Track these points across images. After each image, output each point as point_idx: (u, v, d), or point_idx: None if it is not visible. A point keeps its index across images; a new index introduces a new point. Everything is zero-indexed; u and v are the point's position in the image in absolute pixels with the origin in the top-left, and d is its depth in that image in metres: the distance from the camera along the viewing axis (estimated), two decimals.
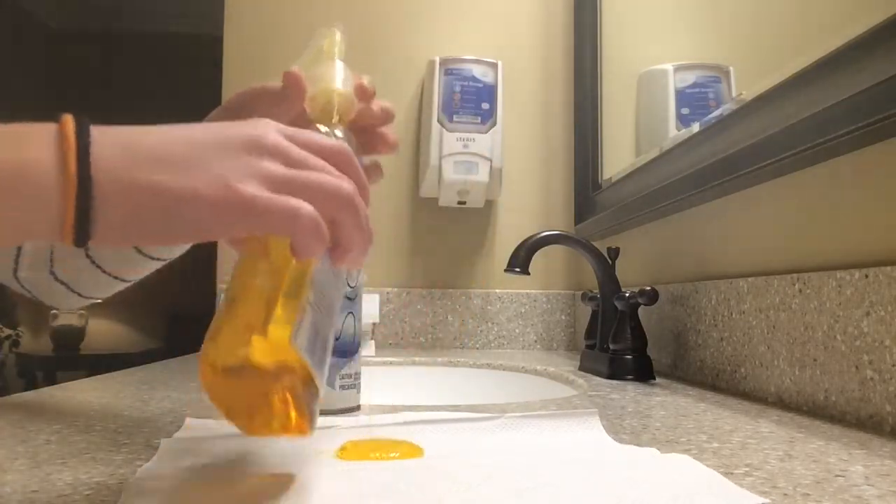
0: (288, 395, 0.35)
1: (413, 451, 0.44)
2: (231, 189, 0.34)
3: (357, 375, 0.62)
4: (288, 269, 0.36)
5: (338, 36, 0.49)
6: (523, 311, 1.49)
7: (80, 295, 0.66)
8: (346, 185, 0.37)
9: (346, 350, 0.60)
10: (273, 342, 0.33)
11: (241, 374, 0.34)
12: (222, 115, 0.58)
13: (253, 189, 0.34)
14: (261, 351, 0.33)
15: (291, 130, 0.39)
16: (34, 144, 0.33)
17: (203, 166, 0.35)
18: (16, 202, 0.33)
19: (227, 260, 1.46)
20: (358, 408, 0.62)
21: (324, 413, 0.58)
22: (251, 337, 0.33)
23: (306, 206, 0.35)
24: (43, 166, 0.33)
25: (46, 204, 0.33)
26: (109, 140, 0.34)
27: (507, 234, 1.51)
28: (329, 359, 0.39)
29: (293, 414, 0.36)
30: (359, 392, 0.62)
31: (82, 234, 0.33)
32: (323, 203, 0.36)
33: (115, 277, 0.65)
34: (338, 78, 0.48)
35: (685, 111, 1.00)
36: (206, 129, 0.37)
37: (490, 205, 1.52)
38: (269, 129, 0.38)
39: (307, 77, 0.49)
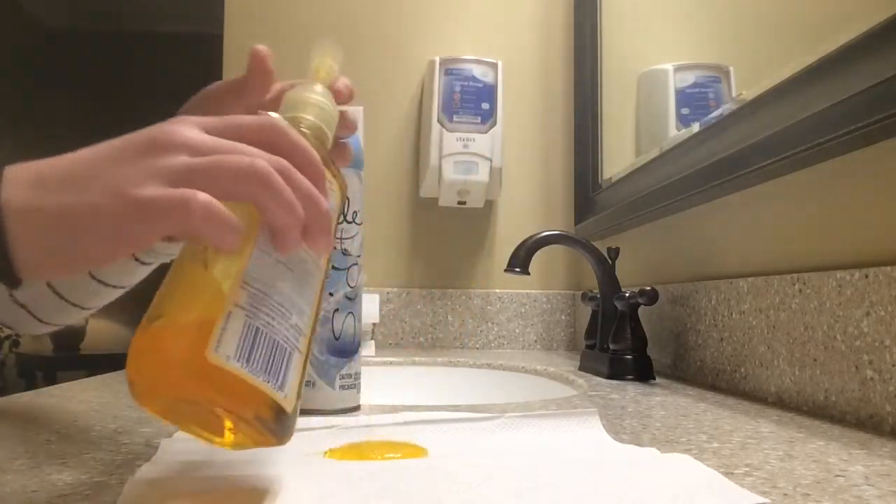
0: (227, 419, 0.32)
1: (416, 451, 0.44)
2: (122, 194, 0.32)
3: (357, 375, 0.62)
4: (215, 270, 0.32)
5: (329, 60, 0.44)
6: (523, 311, 1.49)
7: (41, 321, 0.62)
8: (258, 162, 0.33)
9: (346, 350, 0.60)
10: (192, 357, 0.30)
11: (166, 404, 0.33)
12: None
13: (146, 190, 0.32)
14: (183, 376, 0.30)
15: (213, 120, 0.36)
16: None
17: (101, 177, 0.33)
18: None
19: None
20: (358, 408, 0.62)
21: (324, 413, 0.58)
22: (171, 358, 0.30)
23: (198, 195, 0.31)
24: None
25: None
26: (23, 175, 0.35)
27: (507, 234, 1.51)
28: (294, 360, 0.34)
29: (244, 429, 0.32)
30: (359, 392, 0.62)
31: (8, 274, 0.34)
32: (232, 186, 0.32)
33: (76, 305, 0.61)
34: (315, 95, 0.42)
35: (685, 111, 1.00)
36: (112, 141, 0.35)
37: (490, 205, 1.52)
38: (180, 125, 0.35)
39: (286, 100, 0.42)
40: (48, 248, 0.34)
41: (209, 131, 0.35)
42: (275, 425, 0.32)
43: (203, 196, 0.31)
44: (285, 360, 0.33)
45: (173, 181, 0.32)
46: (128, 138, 0.35)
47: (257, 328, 0.32)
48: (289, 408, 0.33)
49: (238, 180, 0.32)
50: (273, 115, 0.38)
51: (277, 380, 0.32)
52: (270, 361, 0.32)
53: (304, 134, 0.38)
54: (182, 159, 0.33)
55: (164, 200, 0.32)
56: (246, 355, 0.31)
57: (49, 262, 0.35)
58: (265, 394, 0.31)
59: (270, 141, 0.35)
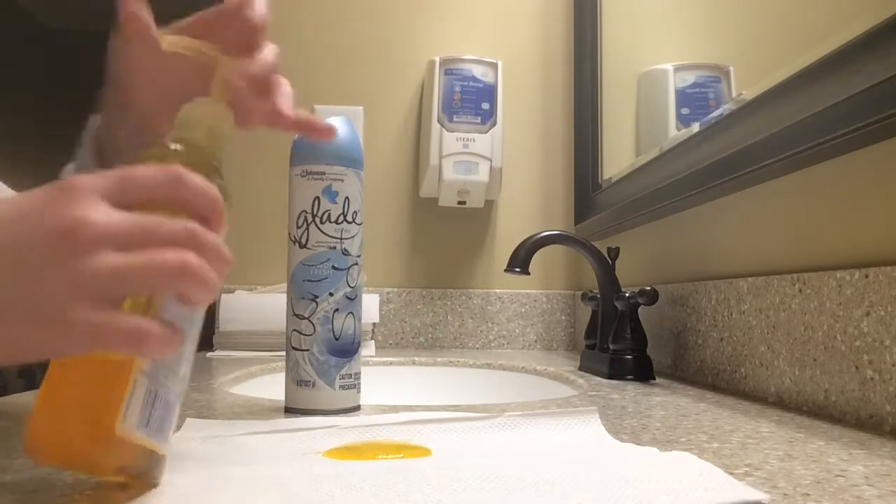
0: (118, 473, 0.34)
1: (419, 451, 0.44)
2: (65, 322, 0.30)
3: (357, 375, 0.62)
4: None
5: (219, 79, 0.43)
6: (523, 311, 1.49)
7: None
8: (187, 259, 0.31)
9: (347, 350, 0.60)
10: (99, 432, 0.32)
11: (68, 466, 0.35)
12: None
13: (91, 314, 0.30)
14: (83, 445, 0.32)
15: (110, 184, 0.32)
16: None
17: (19, 299, 0.30)
18: None
19: None
20: (358, 408, 0.62)
21: (324, 413, 0.58)
22: (79, 435, 0.32)
23: (153, 330, 0.31)
24: None
25: None
26: None
27: (507, 234, 1.51)
28: (176, 411, 0.36)
29: (131, 479, 0.35)
30: (359, 392, 0.62)
31: None
32: (163, 288, 0.32)
33: None
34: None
35: (685, 111, 1.00)
36: (14, 240, 0.30)
37: (490, 205, 1.52)
38: (82, 206, 0.31)
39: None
40: None
41: (112, 200, 0.32)
42: (156, 471, 0.35)
43: (157, 331, 0.31)
44: (172, 415, 0.36)
45: (103, 292, 0.30)
46: (17, 232, 0.30)
47: (156, 392, 0.34)
48: (166, 453, 0.36)
49: (170, 283, 0.32)
50: (168, 150, 0.38)
51: (165, 437, 0.35)
52: (163, 421, 0.35)
53: (189, 152, 0.38)
54: (106, 263, 0.30)
55: (121, 333, 0.30)
56: (146, 421, 0.33)
57: None
58: (156, 451, 0.35)
59: (171, 194, 0.34)
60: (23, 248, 0.30)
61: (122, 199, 0.32)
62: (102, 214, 0.31)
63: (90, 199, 0.31)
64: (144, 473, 0.35)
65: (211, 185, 0.35)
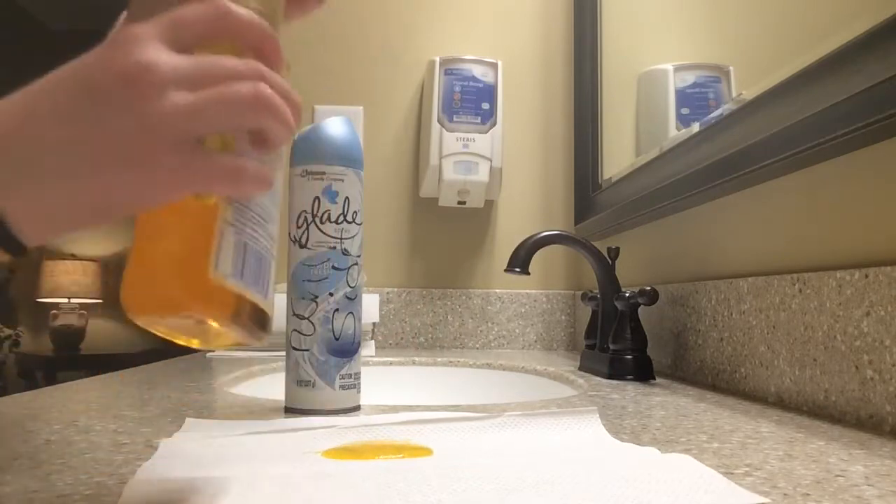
0: (219, 328, 0.34)
1: (419, 451, 0.44)
2: (154, 169, 0.30)
3: (357, 375, 0.62)
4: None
5: None
6: (523, 311, 1.49)
7: None
8: (260, 88, 0.31)
9: (347, 350, 0.60)
10: (193, 280, 0.32)
11: (166, 321, 0.34)
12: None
13: (173, 156, 0.30)
14: (181, 295, 0.32)
15: (166, 26, 0.32)
16: None
17: (93, 141, 0.30)
18: None
19: None
20: (358, 408, 0.62)
21: (324, 413, 0.58)
22: (169, 282, 0.32)
23: (247, 167, 0.32)
24: None
25: None
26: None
27: (507, 234, 1.51)
28: (272, 266, 0.36)
29: (233, 335, 0.35)
30: (359, 392, 0.62)
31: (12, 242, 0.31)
32: (238, 121, 0.32)
33: None
34: None
35: (685, 111, 1.00)
36: (55, 85, 0.31)
37: (490, 205, 1.52)
38: (144, 50, 0.30)
39: None
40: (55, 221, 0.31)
41: (169, 44, 0.31)
42: (259, 328, 0.35)
43: (251, 166, 0.32)
44: (267, 271, 0.36)
45: (182, 132, 0.30)
46: (84, 79, 0.30)
47: (245, 244, 0.34)
48: (270, 311, 0.36)
49: (246, 115, 0.31)
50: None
51: (263, 289, 0.35)
52: (258, 275, 0.35)
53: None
54: (179, 101, 0.30)
55: (215, 171, 0.31)
56: (240, 272, 0.33)
57: (49, 229, 0.32)
58: (255, 304, 0.34)
59: (230, 30, 0.33)
60: (95, 101, 0.30)
61: (178, 41, 0.32)
62: (165, 56, 0.31)
63: (150, 43, 0.31)
64: (249, 329, 0.34)
65: (255, 17, 0.34)
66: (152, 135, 0.30)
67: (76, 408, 0.62)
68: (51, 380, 3.94)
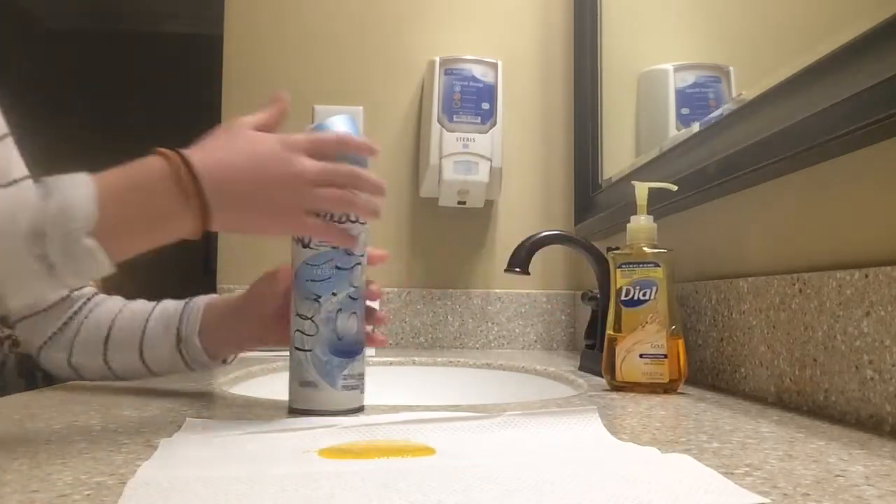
0: None
1: (419, 451, 0.44)
2: (297, 221, 0.57)
3: (361, 376, 0.61)
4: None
5: None
6: (523, 311, 1.49)
7: (117, 377, 0.76)
8: (362, 200, 0.59)
9: (350, 351, 0.60)
10: None
11: None
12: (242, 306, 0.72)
13: (310, 218, 0.57)
14: None
15: (305, 143, 0.56)
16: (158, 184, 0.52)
17: (270, 203, 0.56)
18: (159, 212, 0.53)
19: (227, 261, 1.46)
20: (362, 409, 0.62)
21: (326, 414, 0.58)
22: None
23: (338, 229, 0.59)
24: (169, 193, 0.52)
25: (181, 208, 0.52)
26: (203, 165, 0.53)
27: (507, 234, 1.51)
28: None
29: None
30: (363, 393, 0.62)
31: (206, 218, 0.53)
32: (346, 209, 0.59)
33: (118, 377, 0.76)
34: None
35: (685, 111, 1.00)
36: (252, 165, 0.55)
37: (490, 205, 1.52)
38: (296, 158, 0.55)
39: None
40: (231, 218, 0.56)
41: (310, 153, 0.56)
42: None
43: (339, 230, 0.60)
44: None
45: (317, 207, 0.57)
46: (262, 168, 0.55)
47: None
48: None
49: (345, 207, 0.59)
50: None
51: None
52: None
53: None
54: (322, 194, 0.56)
55: (336, 231, 0.59)
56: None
57: (223, 224, 0.55)
58: None
59: (341, 150, 0.59)
60: (264, 177, 0.55)
61: (315, 153, 0.56)
62: (310, 164, 0.56)
63: (298, 154, 0.56)
64: None
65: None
66: (303, 205, 0.56)
67: (76, 408, 0.62)
68: (51, 380, 3.94)
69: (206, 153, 0.54)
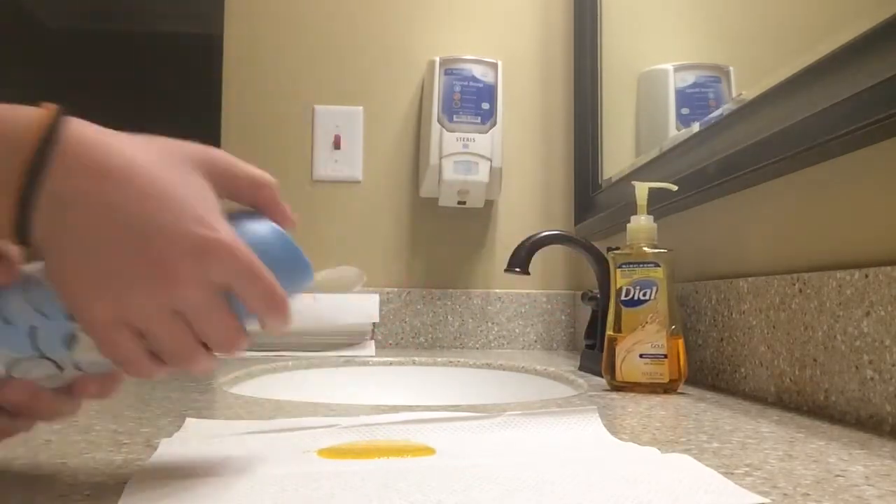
0: None
1: (419, 451, 0.44)
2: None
3: None
4: None
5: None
6: (523, 311, 1.49)
7: None
8: (197, 357, 0.37)
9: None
10: None
11: None
12: None
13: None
14: None
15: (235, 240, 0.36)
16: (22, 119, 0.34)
17: (159, 257, 0.34)
18: None
19: None
20: None
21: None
22: None
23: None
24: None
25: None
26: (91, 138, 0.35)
27: (507, 234, 1.51)
28: None
29: None
30: None
31: (26, 209, 0.33)
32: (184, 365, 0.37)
33: None
34: None
35: (685, 111, 1.00)
36: (180, 209, 0.35)
37: (490, 205, 1.52)
38: (222, 240, 0.35)
39: None
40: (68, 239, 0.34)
41: (234, 249, 0.36)
42: None
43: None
44: None
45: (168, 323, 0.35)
46: (174, 204, 0.35)
47: None
48: None
49: (181, 367, 0.37)
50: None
51: None
52: None
53: None
54: (195, 311, 0.35)
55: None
56: None
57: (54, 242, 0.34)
58: None
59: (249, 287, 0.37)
60: (159, 223, 0.34)
61: (237, 257, 0.36)
62: (228, 254, 0.36)
63: (226, 238, 0.36)
64: None
65: None
66: (173, 287, 0.35)
67: None
68: None
69: (109, 135, 0.35)
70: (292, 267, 0.38)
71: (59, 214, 0.33)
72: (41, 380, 0.36)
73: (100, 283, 0.34)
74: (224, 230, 0.36)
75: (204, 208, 0.36)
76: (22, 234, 0.33)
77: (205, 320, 0.36)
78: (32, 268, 0.36)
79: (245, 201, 0.40)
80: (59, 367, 0.36)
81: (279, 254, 0.38)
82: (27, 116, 0.34)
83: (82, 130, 0.34)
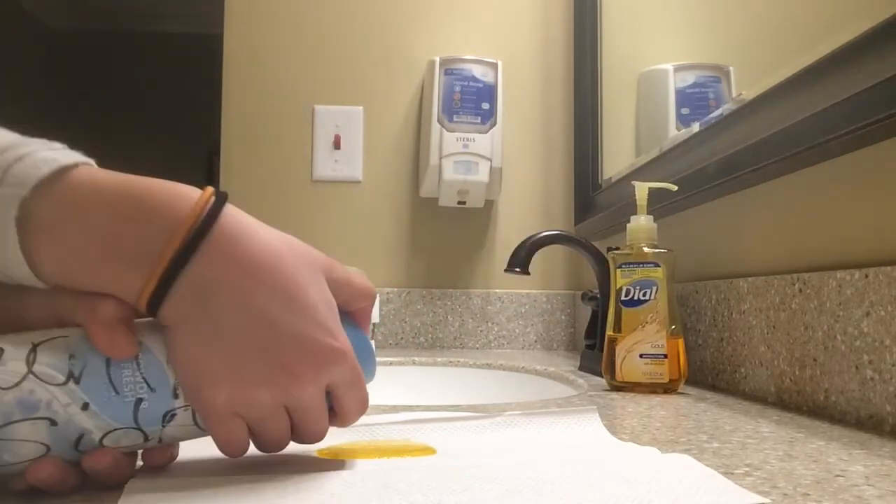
0: None
1: (419, 451, 0.44)
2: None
3: None
4: None
5: None
6: (523, 311, 1.49)
7: None
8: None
9: None
10: None
11: None
12: None
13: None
14: None
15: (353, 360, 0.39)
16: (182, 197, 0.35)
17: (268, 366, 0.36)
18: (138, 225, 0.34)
19: None
20: None
21: None
22: None
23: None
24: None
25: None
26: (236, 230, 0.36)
27: (507, 234, 1.51)
28: None
29: None
30: None
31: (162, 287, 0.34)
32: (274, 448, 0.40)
33: None
34: None
35: (685, 111, 1.00)
36: (305, 311, 0.37)
37: (490, 205, 1.52)
38: (340, 349, 0.38)
39: None
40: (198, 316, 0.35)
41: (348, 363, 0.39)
42: None
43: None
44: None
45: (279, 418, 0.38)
46: (305, 312, 0.37)
47: None
48: None
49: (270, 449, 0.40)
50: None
51: None
52: None
53: None
54: (302, 408, 0.38)
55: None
56: None
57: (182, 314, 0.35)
58: None
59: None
60: (287, 323, 0.37)
61: (346, 373, 0.39)
62: (345, 360, 0.39)
63: (344, 348, 0.39)
64: None
65: None
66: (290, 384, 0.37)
67: None
68: None
69: (257, 226, 0.37)
70: (368, 373, 0.42)
71: (197, 298, 0.34)
72: (123, 447, 0.36)
73: (225, 371, 0.35)
74: (343, 340, 0.38)
75: (330, 316, 0.38)
76: (153, 309, 0.34)
77: (311, 419, 0.38)
78: (142, 330, 0.36)
79: (347, 308, 0.41)
80: (147, 439, 0.36)
81: (365, 361, 0.41)
82: (185, 198, 0.35)
83: (237, 220, 0.36)
